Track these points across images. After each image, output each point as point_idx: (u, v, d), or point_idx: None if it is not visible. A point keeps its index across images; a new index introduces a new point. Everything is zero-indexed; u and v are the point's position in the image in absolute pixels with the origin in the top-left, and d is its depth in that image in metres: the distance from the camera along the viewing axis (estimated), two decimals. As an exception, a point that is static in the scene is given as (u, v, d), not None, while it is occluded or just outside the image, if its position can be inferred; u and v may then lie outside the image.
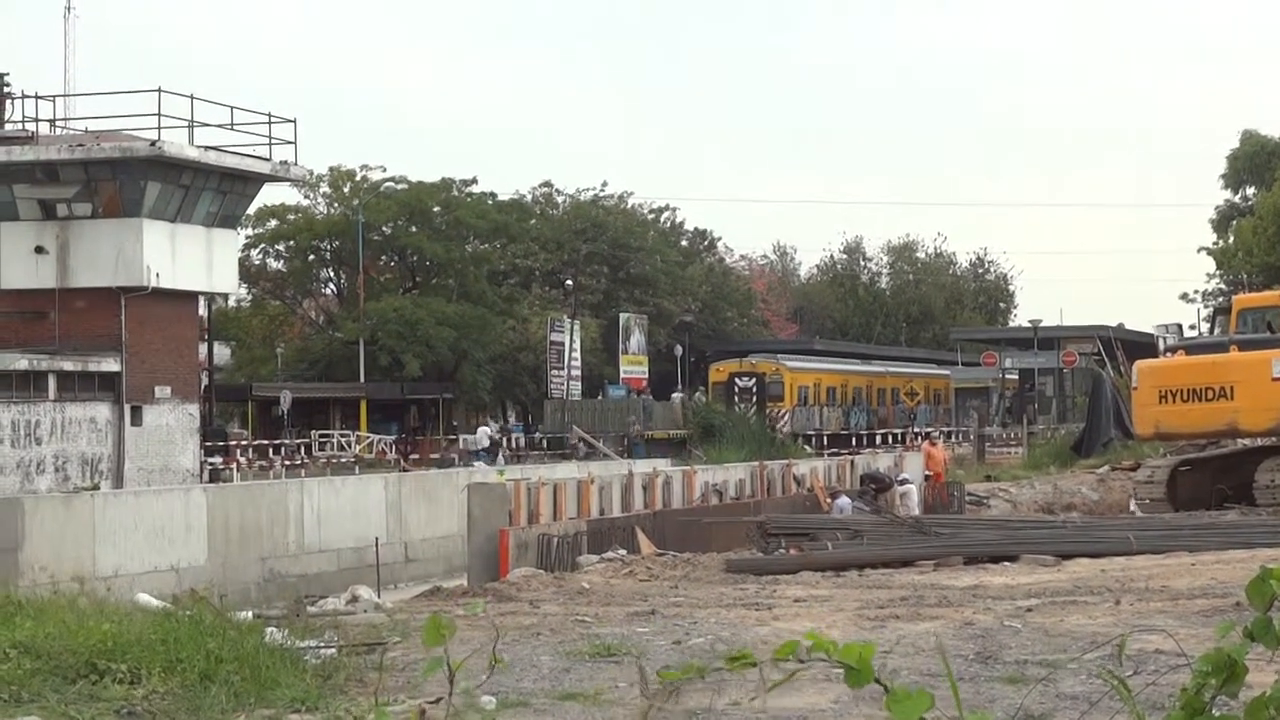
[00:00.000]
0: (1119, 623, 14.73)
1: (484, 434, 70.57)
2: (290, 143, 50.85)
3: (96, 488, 41.88)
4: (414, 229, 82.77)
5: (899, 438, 74.40)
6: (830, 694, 10.91)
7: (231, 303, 78.79)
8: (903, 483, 39.05)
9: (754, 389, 76.42)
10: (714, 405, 73.74)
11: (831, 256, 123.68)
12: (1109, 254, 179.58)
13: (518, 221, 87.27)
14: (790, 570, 21.70)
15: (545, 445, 73.10)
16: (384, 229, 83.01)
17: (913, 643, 13.47)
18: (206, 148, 48.03)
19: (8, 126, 49.05)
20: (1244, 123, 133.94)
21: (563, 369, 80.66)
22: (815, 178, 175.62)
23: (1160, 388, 35.06)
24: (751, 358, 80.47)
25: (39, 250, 46.81)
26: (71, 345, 46.27)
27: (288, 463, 60.96)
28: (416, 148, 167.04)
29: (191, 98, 47.90)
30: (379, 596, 22.36)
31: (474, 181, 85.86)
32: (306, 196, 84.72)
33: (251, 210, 64.64)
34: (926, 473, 44.23)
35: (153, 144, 46.22)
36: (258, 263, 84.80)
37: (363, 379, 76.09)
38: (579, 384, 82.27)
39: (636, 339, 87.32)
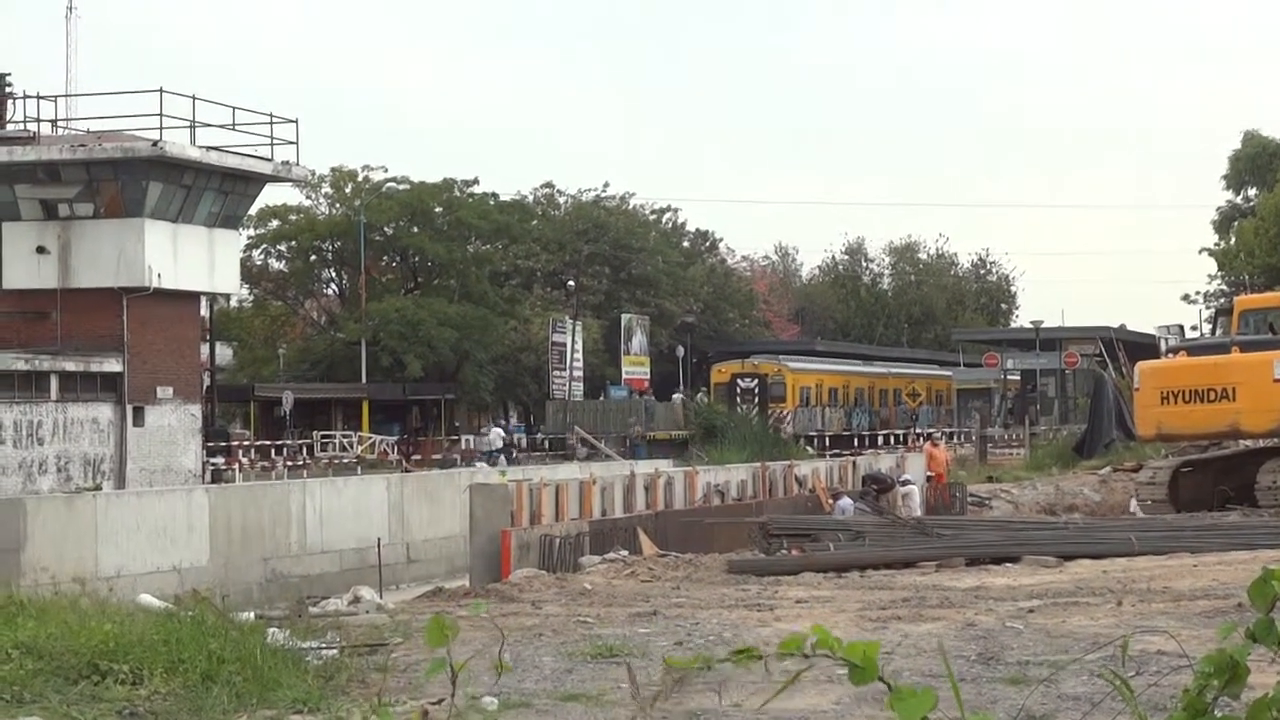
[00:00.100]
0: (1121, 624, 14.73)
1: (497, 435, 70.64)
2: (292, 143, 50.89)
3: (98, 488, 41.91)
4: (416, 229, 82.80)
5: (901, 439, 74.40)
6: (831, 695, 10.91)
7: (233, 303, 78.80)
8: (904, 484, 39.06)
9: (756, 390, 76.42)
10: (716, 406, 73.73)
11: (833, 257, 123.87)
12: (1110, 255, 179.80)
13: (519, 222, 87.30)
14: (792, 571, 21.71)
15: (547, 446, 73.11)
16: (386, 229, 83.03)
17: (915, 644, 13.48)
18: (208, 148, 48.03)
19: (10, 127, 49.06)
20: (1244, 123, 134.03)
21: (564, 370, 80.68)
22: (815, 178, 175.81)
23: (1162, 389, 35.07)
24: (753, 359, 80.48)
25: (41, 250, 46.82)
26: (73, 345, 46.27)
27: (290, 463, 60.97)
28: (417, 148, 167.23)
29: (193, 98, 47.95)
30: (381, 597, 22.35)
31: (475, 182, 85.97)
32: (308, 197, 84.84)
33: (253, 211, 64.67)
34: (928, 474, 44.24)
35: (154, 144, 46.22)
36: (259, 263, 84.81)
37: (364, 379, 76.12)
38: (581, 385, 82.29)
39: (638, 340, 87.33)
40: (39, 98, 49.61)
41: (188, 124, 47.83)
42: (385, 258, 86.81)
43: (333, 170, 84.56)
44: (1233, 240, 79.73)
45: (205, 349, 59.61)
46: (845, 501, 34.09)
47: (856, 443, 74.03)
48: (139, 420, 47.19)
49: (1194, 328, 57.85)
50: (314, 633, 14.01)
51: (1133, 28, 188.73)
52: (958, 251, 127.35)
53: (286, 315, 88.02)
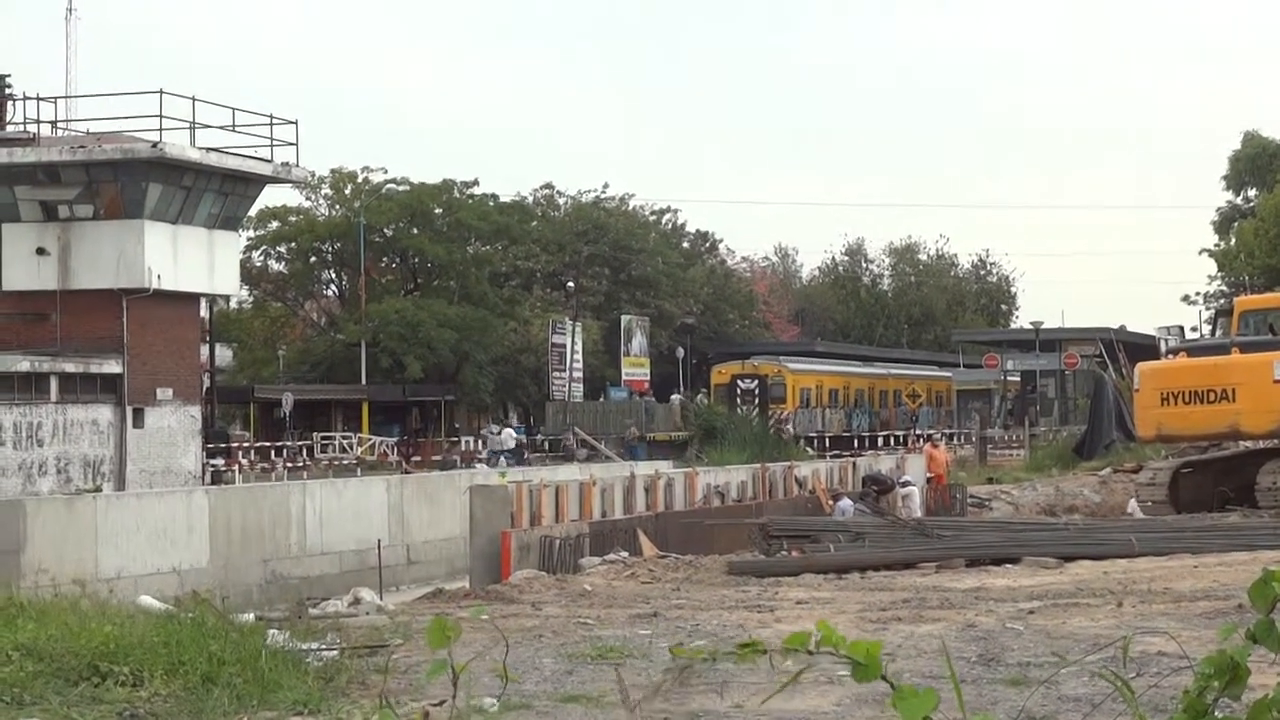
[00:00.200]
0: (1121, 625, 14.73)
1: (509, 435, 70.68)
2: (292, 144, 50.88)
3: (98, 490, 41.95)
4: (415, 231, 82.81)
5: (901, 440, 74.40)
6: (832, 696, 10.91)
7: (233, 304, 78.78)
8: (904, 485, 39.07)
9: (756, 391, 76.40)
10: (716, 407, 73.73)
11: (833, 258, 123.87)
12: (1110, 255, 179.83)
13: (519, 223, 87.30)
14: (792, 572, 21.72)
15: (547, 447, 73.11)
16: (385, 231, 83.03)
17: (915, 645, 13.48)
18: (208, 149, 48.03)
19: (9, 128, 49.06)
20: (1244, 123, 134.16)
21: (564, 371, 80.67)
22: (815, 178, 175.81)
23: (1162, 390, 35.07)
24: (753, 360, 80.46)
25: (40, 252, 46.81)
26: (73, 347, 46.26)
27: (289, 465, 60.97)
28: (417, 149, 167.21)
29: (193, 99, 47.92)
30: (381, 599, 22.36)
31: (475, 183, 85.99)
32: (308, 198, 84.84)
33: (253, 212, 64.66)
34: (928, 475, 44.25)
35: (154, 145, 46.22)
36: (259, 264, 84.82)
37: (364, 381, 76.12)
38: (581, 386, 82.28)
39: (638, 341, 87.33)
40: (39, 99, 49.62)
41: (187, 125, 47.85)
42: (385, 259, 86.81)
43: (332, 171, 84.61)
44: (1233, 241, 79.71)
45: (205, 350, 59.58)
46: (845, 503, 34.10)
47: (856, 444, 74.04)
48: (139, 422, 47.19)
49: (1194, 329, 57.91)
50: (314, 634, 14.00)
51: (1133, 28, 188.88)
52: (958, 252, 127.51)
53: (286, 316, 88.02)
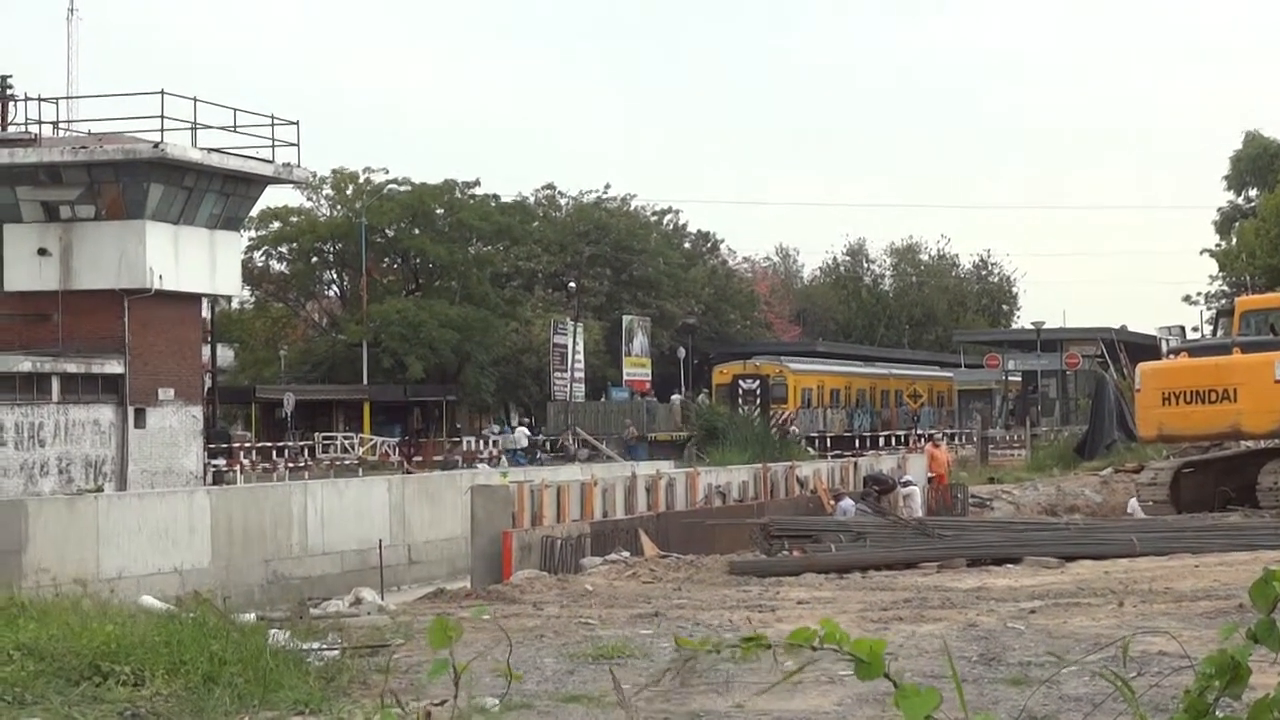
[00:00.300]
0: (1122, 624, 14.73)
1: (522, 434, 70.75)
2: (293, 145, 50.88)
3: (100, 490, 41.95)
4: (417, 231, 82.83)
5: (902, 440, 74.38)
6: (833, 696, 10.91)
7: (235, 305, 78.79)
8: (906, 484, 39.08)
9: (757, 391, 76.40)
10: (717, 407, 73.73)
11: (834, 259, 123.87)
12: (1111, 256, 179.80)
13: (521, 224, 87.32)
14: (793, 572, 21.72)
15: (548, 447, 73.14)
16: (387, 231, 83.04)
17: (916, 644, 13.48)
18: (209, 150, 48.03)
19: (11, 129, 49.07)
20: (1245, 123, 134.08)
21: (566, 371, 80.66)
22: (816, 178, 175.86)
23: (1163, 390, 35.08)
24: (755, 360, 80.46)
25: (42, 252, 46.82)
26: (74, 347, 46.27)
27: (291, 465, 60.98)
28: (417, 149, 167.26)
29: (194, 100, 47.91)
30: (382, 599, 22.36)
31: (477, 183, 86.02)
32: (309, 199, 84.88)
33: (254, 212, 64.66)
34: (929, 475, 44.25)
35: (156, 146, 46.22)
36: (261, 265, 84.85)
37: (366, 381, 76.13)
38: (582, 386, 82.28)
39: (640, 341, 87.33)
40: (40, 99, 49.63)
41: (189, 126, 47.85)
42: (386, 259, 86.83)
43: (334, 172, 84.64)
44: (1234, 241, 79.69)
45: (206, 351, 59.59)
46: (847, 503, 34.10)
47: (858, 444, 74.02)
48: (140, 422, 47.19)
49: (1195, 329, 57.84)
50: (315, 634, 14.01)
51: (1133, 28, 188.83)
52: (959, 252, 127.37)
53: (288, 317, 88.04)
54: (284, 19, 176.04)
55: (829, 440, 76.03)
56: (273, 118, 50.45)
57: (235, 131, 49.60)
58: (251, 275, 79.74)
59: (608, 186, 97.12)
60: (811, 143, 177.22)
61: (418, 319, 76.72)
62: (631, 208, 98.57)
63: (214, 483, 48.17)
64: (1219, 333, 40.65)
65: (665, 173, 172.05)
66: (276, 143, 50.37)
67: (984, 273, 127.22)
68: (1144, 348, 60.88)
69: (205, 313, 57.94)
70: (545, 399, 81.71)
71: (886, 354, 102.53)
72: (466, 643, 11.14)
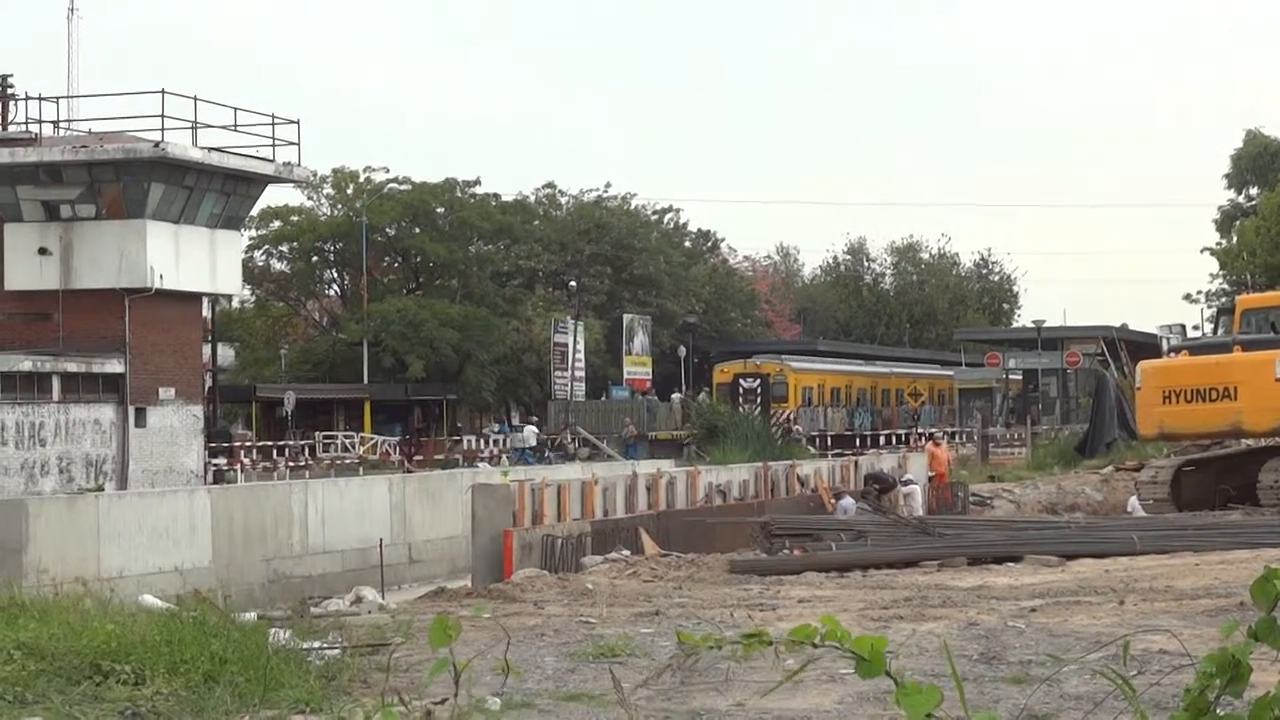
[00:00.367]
0: (1123, 623, 14.73)
1: (531, 433, 70.71)
2: (293, 144, 50.90)
3: (101, 489, 41.96)
4: (417, 230, 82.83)
5: (903, 438, 74.35)
6: (834, 695, 10.91)
7: (235, 304, 78.80)
8: (906, 483, 39.05)
9: (758, 390, 76.38)
10: (718, 406, 73.71)
11: (835, 257, 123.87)
12: (1112, 254, 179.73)
13: (521, 223, 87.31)
14: (794, 571, 21.71)
15: (549, 445, 73.12)
16: (387, 230, 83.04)
17: (917, 643, 13.48)
18: (210, 149, 48.04)
19: (11, 128, 49.09)
20: (1245, 123, 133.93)
21: (566, 370, 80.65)
22: (816, 178, 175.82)
23: (1164, 388, 35.06)
24: (756, 358, 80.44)
25: (43, 251, 46.84)
26: (75, 346, 46.28)
27: (292, 464, 60.98)
28: (418, 148, 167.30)
29: (195, 99, 47.93)
30: (383, 597, 22.36)
31: (477, 182, 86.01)
32: (310, 198, 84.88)
33: (255, 211, 64.67)
34: (930, 473, 44.22)
35: (156, 145, 46.24)
36: (261, 264, 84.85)
37: (366, 380, 76.13)
38: (583, 385, 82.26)
39: (640, 340, 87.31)
40: (41, 99, 49.65)
41: (189, 125, 47.86)
42: (387, 258, 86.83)
43: (334, 171, 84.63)
44: (1234, 239, 79.70)
45: (207, 350, 59.61)
46: (847, 501, 34.08)
47: (858, 442, 73.94)
48: (141, 421, 47.21)
49: (1196, 327, 57.84)
50: (316, 633, 14.01)
51: (1133, 28, 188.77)
52: (959, 251, 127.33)
53: (288, 316, 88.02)
54: (285, 19, 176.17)
55: (829, 439, 76.01)
56: (273, 117, 50.51)
57: (236, 131, 49.66)
58: (252, 274, 79.75)
59: (608, 185, 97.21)
60: (811, 142, 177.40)
61: (418, 318, 76.73)
62: (632, 206, 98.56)
63: (215, 482, 48.18)
64: (1219, 331, 40.61)
65: (665, 172, 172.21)
66: (277, 142, 50.41)
67: (985, 271, 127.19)
68: (1144, 346, 60.84)
69: (206, 312, 57.98)
70: (546, 398, 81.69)
71: (887, 353, 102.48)
72: (467, 641, 11.14)
